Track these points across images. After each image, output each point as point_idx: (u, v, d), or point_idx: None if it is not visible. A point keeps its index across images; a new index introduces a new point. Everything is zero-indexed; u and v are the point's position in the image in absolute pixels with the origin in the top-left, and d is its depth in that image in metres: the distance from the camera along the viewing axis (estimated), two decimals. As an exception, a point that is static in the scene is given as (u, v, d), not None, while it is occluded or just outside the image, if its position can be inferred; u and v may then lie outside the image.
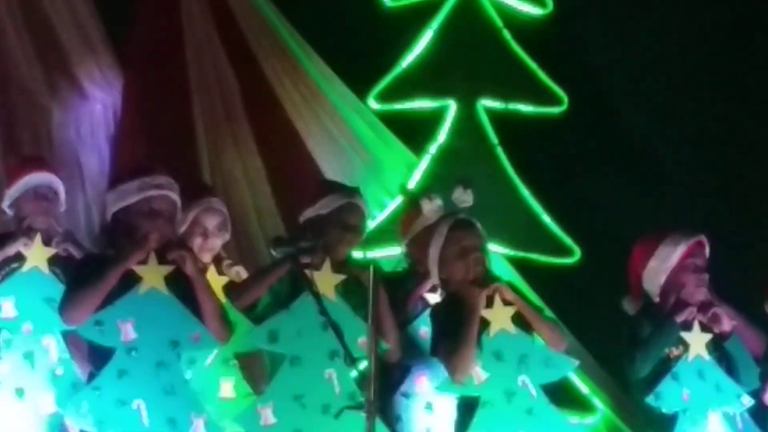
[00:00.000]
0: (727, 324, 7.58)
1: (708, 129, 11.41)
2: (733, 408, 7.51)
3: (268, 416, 7.08)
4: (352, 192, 7.57)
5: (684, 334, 7.38)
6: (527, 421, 7.10)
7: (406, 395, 7.90)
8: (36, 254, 7.64)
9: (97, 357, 7.08)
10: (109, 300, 6.99)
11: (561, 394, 8.62)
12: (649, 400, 7.40)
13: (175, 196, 7.12)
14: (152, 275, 7.09)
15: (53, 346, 7.64)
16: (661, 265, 7.65)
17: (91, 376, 7.13)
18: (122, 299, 6.96)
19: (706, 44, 11.42)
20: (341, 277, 7.18)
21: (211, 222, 7.77)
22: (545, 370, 7.20)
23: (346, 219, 7.33)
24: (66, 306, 6.85)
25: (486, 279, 7.16)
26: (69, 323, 6.93)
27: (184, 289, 7.10)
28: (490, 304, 7.09)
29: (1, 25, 10.19)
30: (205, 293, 7.10)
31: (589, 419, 10.22)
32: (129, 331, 6.94)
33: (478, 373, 7.06)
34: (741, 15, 11.52)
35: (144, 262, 7.16)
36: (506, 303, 7.17)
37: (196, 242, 7.69)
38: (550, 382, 7.36)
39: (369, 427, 5.76)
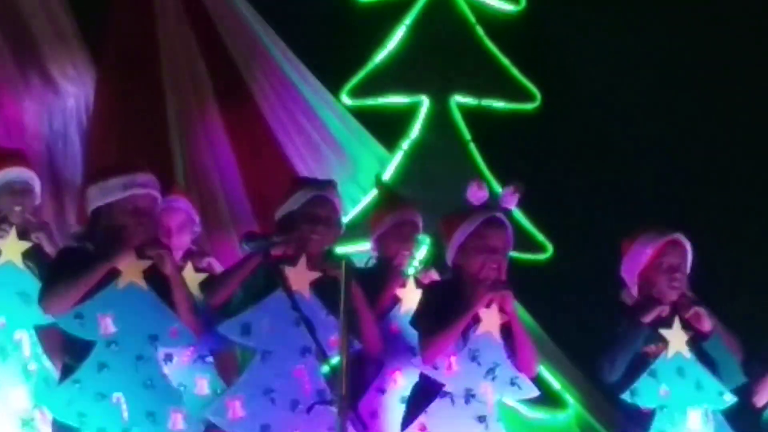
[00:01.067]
0: (707, 324, 7.64)
1: (680, 125, 11.39)
2: (715, 406, 7.60)
3: (237, 409, 7.15)
4: (323, 185, 7.66)
5: (663, 332, 7.43)
6: (475, 427, 7.17)
7: (381, 390, 7.98)
8: (10, 248, 7.63)
9: (73, 349, 7.12)
10: (88, 293, 7.07)
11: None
12: (625, 396, 7.46)
13: (157, 194, 7.21)
14: (131, 270, 7.14)
15: (26, 341, 7.64)
16: (634, 265, 7.79)
17: (66, 368, 7.16)
18: (101, 293, 7.01)
19: (677, 41, 11.44)
20: (316, 274, 7.22)
21: (173, 221, 7.96)
22: (508, 387, 7.25)
23: (315, 211, 7.36)
24: (48, 296, 6.91)
25: (496, 283, 7.20)
26: (50, 312, 6.97)
27: (161, 284, 7.19)
28: (488, 305, 7.16)
29: None
30: (181, 290, 7.17)
31: (561, 415, 10.34)
32: (109, 325, 7.02)
33: (452, 363, 7.12)
34: (711, 12, 11.43)
35: (108, 253, 7.25)
36: (501, 311, 7.21)
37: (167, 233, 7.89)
38: (506, 400, 7.53)
39: (341, 423, 5.78)
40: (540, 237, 10.50)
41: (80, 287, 6.91)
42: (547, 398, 10.19)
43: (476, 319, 7.20)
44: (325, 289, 7.26)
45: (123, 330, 7.10)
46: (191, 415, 7.41)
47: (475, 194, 7.72)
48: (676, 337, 7.58)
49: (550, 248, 10.45)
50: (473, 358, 7.19)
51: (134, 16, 10.45)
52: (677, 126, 11.38)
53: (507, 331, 7.29)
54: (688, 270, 7.74)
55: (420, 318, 7.39)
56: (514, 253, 8.77)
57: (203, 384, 7.94)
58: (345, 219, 9.43)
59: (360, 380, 8.04)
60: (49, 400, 7.27)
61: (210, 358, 8.05)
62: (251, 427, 7.26)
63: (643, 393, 7.53)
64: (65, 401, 7.07)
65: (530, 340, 7.50)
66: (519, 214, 10.05)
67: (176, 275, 7.25)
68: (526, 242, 10.28)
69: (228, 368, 8.31)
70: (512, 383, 7.26)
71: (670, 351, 7.56)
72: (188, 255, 8.14)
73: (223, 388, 7.94)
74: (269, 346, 7.28)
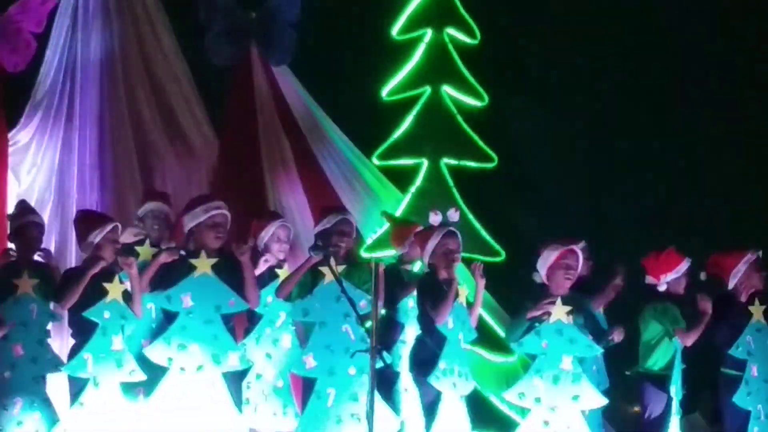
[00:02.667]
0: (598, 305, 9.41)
1: (591, 177, 13.93)
2: (585, 353, 9.01)
3: (310, 361, 8.90)
4: (345, 211, 9.51)
5: (550, 308, 8.91)
6: (464, 355, 9.25)
7: (403, 342, 9.61)
8: (202, 263, 8.89)
9: (81, 331, 8.72)
10: (175, 282, 8.69)
11: (493, 344, 11.95)
12: (513, 346, 9.18)
13: (228, 213, 8.92)
14: (203, 265, 8.82)
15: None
16: (544, 264, 9.04)
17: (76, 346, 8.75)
18: (183, 281, 8.76)
19: (597, 111, 13.80)
20: (343, 266, 8.91)
21: (283, 234, 9.56)
22: (469, 333, 9.21)
23: (343, 228, 9.20)
24: (66, 299, 8.76)
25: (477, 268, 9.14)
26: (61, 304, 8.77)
27: (229, 274, 8.75)
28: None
29: (140, 107, 12.15)
30: (250, 275, 8.80)
31: (510, 358, 12.22)
32: (188, 301, 8.70)
33: (449, 322, 8.97)
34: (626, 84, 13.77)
35: (197, 255, 8.82)
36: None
37: (275, 246, 9.44)
38: (467, 343, 9.30)
39: (372, 363, 7.34)
40: (496, 246, 12.35)
41: (77, 287, 8.69)
42: (501, 347, 12.10)
43: (457, 293, 8.93)
44: (350, 274, 8.92)
45: (197, 304, 8.72)
46: (243, 357, 8.94)
47: (433, 219, 9.76)
48: (558, 310, 8.91)
49: (503, 253, 12.35)
50: (457, 317, 9.04)
51: (242, 107, 12.40)
52: (590, 175, 13.91)
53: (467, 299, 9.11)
54: (579, 269, 9.03)
55: (423, 300, 9.06)
56: (479, 257, 10.73)
57: (287, 339, 9.47)
58: (374, 236, 12.08)
59: (390, 335, 9.63)
60: (149, 351, 8.77)
61: (291, 326, 9.47)
62: (321, 372, 8.88)
63: (527, 344, 8.98)
64: (161, 350, 8.71)
65: (479, 307, 9.35)
66: (481, 230, 11.94)
67: (248, 264, 8.77)
68: (487, 249, 12.24)
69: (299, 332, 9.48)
70: (470, 331, 9.22)
71: (552, 318, 8.89)
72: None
73: (296, 342, 9.38)
74: (323, 318, 8.94)
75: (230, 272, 8.81)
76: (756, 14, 13.68)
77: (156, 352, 8.65)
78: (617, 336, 9.03)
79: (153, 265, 8.99)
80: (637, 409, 9.75)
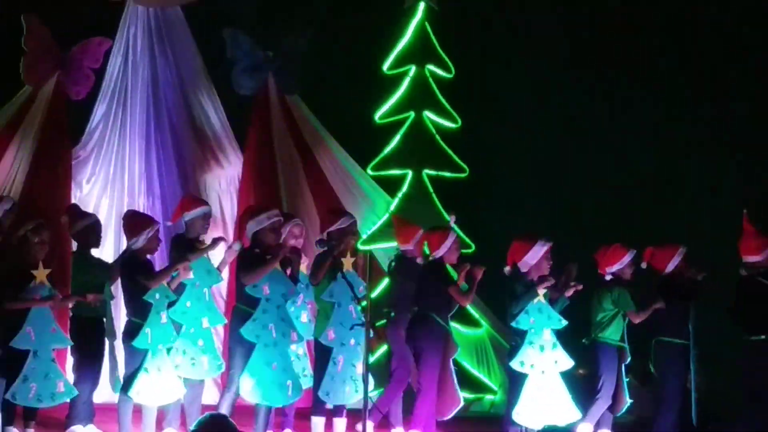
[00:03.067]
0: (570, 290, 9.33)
1: (547, 184, 13.52)
2: (556, 326, 9.16)
3: (331, 334, 8.89)
4: (352, 216, 9.39)
5: (538, 295, 9.05)
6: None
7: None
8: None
9: (137, 310, 8.53)
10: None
11: (466, 319, 12.14)
12: (513, 323, 9.15)
13: (281, 218, 8.96)
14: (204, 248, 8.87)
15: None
16: (535, 255, 9.08)
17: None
18: (266, 276, 8.65)
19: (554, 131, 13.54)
20: (352, 259, 8.91)
21: (297, 230, 9.42)
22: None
23: (353, 229, 9.24)
24: (250, 277, 8.56)
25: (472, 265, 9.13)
26: (248, 284, 8.54)
27: (284, 266, 8.77)
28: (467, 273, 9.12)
29: (178, 128, 12.40)
30: (297, 268, 8.93)
31: (479, 330, 12.51)
32: (266, 289, 8.68)
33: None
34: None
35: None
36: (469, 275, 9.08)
37: (291, 240, 9.23)
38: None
39: (366, 335, 7.85)
40: (468, 240, 12.12)
41: (265, 273, 8.54)
42: (471, 322, 12.37)
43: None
44: (356, 265, 8.94)
45: (272, 292, 8.70)
46: (299, 335, 8.91)
47: (452, 220, 10.06)
48: (540, 294, 9.07)
49: (473, 246, 12.26)
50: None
51: (261, 128, 12.59)
52: (553, 183, 13.49)
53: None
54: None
55: (440, 280, 9.20)
56: None
57: (305, 316, 9.53)
58: (367, 232, 12.16)
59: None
60: (244, 330, 8.59)
61: (309, 305, 9.47)
62: (339, 343, 8.88)
63: (521, 321, 9.08)
64: (251, 329, 8.61)
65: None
66: (455, 228, 10.68)
67: (297, 260, 8.94)
68: (460, 243, 10.54)
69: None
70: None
71: (536, 300, 9.05)
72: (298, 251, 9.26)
73: (310, 318, 9.40)
74: (339, 300, 8.92)
75: (283, 266, 8.85)
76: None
77: (247, 331, 8.59)
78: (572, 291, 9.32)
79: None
80: (582, 371, 9.74)
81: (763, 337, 9.23)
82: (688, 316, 9.65)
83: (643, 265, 9.73)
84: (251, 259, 8.68)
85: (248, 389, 8.60)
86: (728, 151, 13.13)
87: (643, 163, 13.46)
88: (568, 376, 9.23)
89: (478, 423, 11.23)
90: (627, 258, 9.64)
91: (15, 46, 11.74)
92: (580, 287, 9.31)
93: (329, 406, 8.92)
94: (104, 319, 9.02)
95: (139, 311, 8.57)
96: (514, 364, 9.11)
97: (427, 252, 9.65)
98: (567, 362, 9.17)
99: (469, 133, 13.28)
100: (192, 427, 7.00)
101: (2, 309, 8.27)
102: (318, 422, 8.91)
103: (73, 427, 9.00)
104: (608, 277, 9.66)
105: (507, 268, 9.23)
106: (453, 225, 10.02)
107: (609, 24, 13.55)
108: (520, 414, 9.04)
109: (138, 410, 8.72)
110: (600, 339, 9.60)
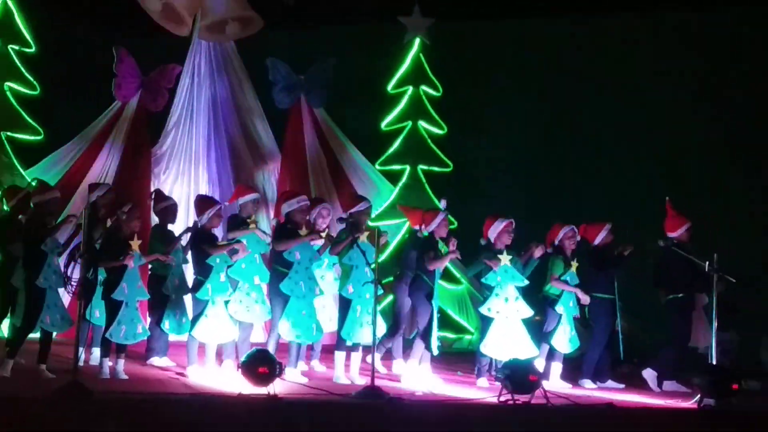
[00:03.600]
0: (537, 253, 9.12)
1: (515, 177, 13.35)
2: (519, 283, 9.02)
3: (350, 289, 8.73)
4: (368, 200, 9.27)
5: (500, 257, 8.94)
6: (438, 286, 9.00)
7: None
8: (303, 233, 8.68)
9: (203, 270, 8.54)
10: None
11: (450, 277, 12.23)
12: (483, 279, 9.08)
13: (308, 202, 8.93)
14: (304, 235, 8.76)
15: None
16: (495, 229, 8.98)
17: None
18: (295, 245, 8.70)
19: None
20: (366, 233, 8.72)
21: (325, 212, 9.18)
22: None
23: (368, 211, 9.14)
24: (283, 245, 8.59)
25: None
26: (280, 250, 8.57)
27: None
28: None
29: (232, 132, 12.20)
30: (325, 242, 8.80)
31: (460, 287, 12.52)
32: (297, 255, 8.72)
33: (440, 268, 9.03)
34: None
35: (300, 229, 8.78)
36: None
37: (320, 220, 9.06)
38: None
39: (375, 290, 8.06)
40: (452, 218, 10.76)
41: (295, 244, 8.57)
42: (454, 279, 12.37)
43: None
44: (371, 237, 8.64)
45: (301, 257, 8.75)
46: (321, 290, 8.91)
47: (442, 204, 9.96)
48: (504, 258, 8.96)
49: (456, 223, 11.40)
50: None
51: (295, 133, 12.48)
52: (522, 174, 13.32)
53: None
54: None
55: (426, 252, 8.82)
56: None
57: (331, 275, 9.44)
58: (376, 212, 11.70)
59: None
60: (283, 286, 8.58)
61: (335, 267, 9.29)
62: (356, 295, 8.69)
63: (489, 278, 8.99)
64: (287, 285, 8.64)
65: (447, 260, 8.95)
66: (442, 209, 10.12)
67: (326, 235, 8.78)
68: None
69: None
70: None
71: (502, 263, 8.95)
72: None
73: (336, 277, 9.22)
74: (356, 263, 8.73)
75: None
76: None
77: (284, 286, 8.61)
78: (537, 252, 9.14)
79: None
80: (537, 318, 9.41)
81: (680, 295, 9.26)
82: (614, 278, 9.48)
83: (578, 238, 9.40)
84: (285, 232, 8.67)
85: (285, 330, 8.64)
86: (652, 149, 13.03)
87: (593, 164, 13.26)
88: (528, 322, 9.15)
89: (460, 356, 11.12)
90: (562, 232, 9.34)
91: (108, 71, 11.78)
92: (542, 252, 9.15)
93: (349, 343, 8.83)
94: (171, 276, 8.94)
95: (203, 271, 8.61)
96: (483, 310, 9.07)
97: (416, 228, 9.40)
98: (527, 311, 9.10)
99: (452, 138, 13.24)
100: (243, 359, 7.58)
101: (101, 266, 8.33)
102: (339, 356, 8.86)
103: (152, 359, 9.12)
104: (550, 249, 9.42)
105: (482, 240, 9.10)
106: (444, 207, 9.82)
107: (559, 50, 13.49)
108: (486, 347, 9.01)
109: (202, 347, 8.77)
110: (545, 293, 9.45)
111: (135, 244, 8.35)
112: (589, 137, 13.17)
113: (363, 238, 8.63)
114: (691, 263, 8.94)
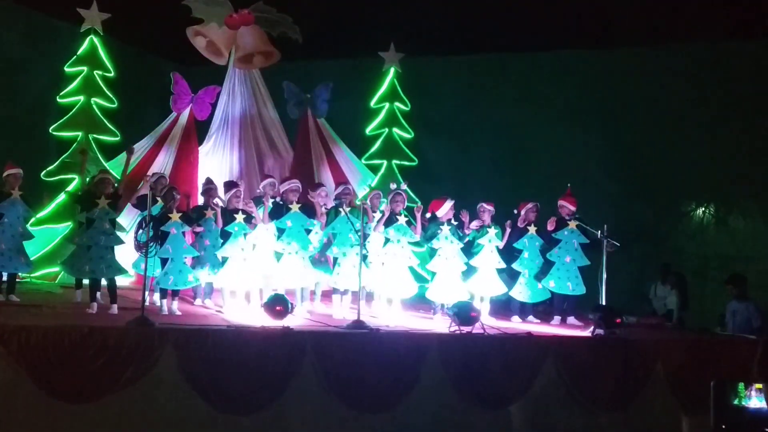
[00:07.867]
0: (476, 224, 8.77)
1: (464, 172, 12.87)
2: (458, 246, 8.68)
3: (335, 249, 8.61)
4: (348, 183, 9.37)
5: (442, 227, 8.59)
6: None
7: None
8: (294, 207, 8.54)
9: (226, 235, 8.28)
10: (283, 215, 8.43)
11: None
12: (428, 243, 8.69)
13: (300, 186, 8.64)
14: (294, 207, 8.62)
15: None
16: (444, 208, 8.77)
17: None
18: (287, 214, 8.59)
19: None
20: (349, 208, 8.55)
21: (323, 194, 9.08)
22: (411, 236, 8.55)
23: (348, 190, 8.98)
24: (272, 217, 8.31)
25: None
26: (269, 222, 8.31)
27: (306, 211, 8.57)
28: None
29: (257, 137, 11.57)
30: (314, 212, 8.54)
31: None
32: (289, 223, 8.54)
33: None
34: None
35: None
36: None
37: (320, 200, 8.84)
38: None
39: (360, 250, 7.86)
40: (416, 198, 11.42)
41: (275, 218, 8.29)
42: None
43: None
44: (352, 212, 8.47)
45: (293, 224, 8.56)
46: (315, 247, 8.71)
47: (391, 186, 9.01)
48: (444, 229, 8.70)
49: (419, 201, 10.86)
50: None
51: (303, 137, 11.92)
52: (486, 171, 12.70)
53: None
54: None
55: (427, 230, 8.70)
56: (410, 205, 9.66)
57: (316, 239, 8.83)
58: (361, 193, 11.16)
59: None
60: (275, 245, 8.35)
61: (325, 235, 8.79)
62: (342, 255, 8.51)
63: (435, 244, 8.73)
64: (279, 244, 8.39)
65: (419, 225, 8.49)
66: (409, 192, 10.64)
67: (321, 209, 8.62)
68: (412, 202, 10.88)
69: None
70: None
71: (443, 232, 8.69)
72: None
73: (323, 241, 8.80)
74: (341, 230, 8.57)
75: (305, 211, 8.60)
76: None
77: (277, 246, 8.43)
78: (475, 224, 8.84)
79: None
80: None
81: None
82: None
83: (515, 212, 8.98)
84: (276, 207, 8.57)
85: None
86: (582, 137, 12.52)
87: (539, 160, 12.76)
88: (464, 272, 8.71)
89: (421, 301, 10.49)
90: (447, 205, 8.81)
91: (167, 90, 11.42)
92: (479, 225, 8.80)
93: (341, 289, 8.64)
94: (200, 239, 8.61)
95: (226, 235, 8.45)
96: (429, 267, 8.83)
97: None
98: (461, 266, 8.81)
99: (418, 141, 12.83)
100: (265, 300, 7.50)
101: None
102: (336, 298, 8.69)
103: (197, 300, 8.96)
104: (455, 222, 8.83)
105: (428, 214, 8.87)
106: (406, 187, 9.39)
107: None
108: (431, 293, 8.81)
109: (233, 292, 8.58)
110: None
111: (174, 216, 8.17)
112: (512, 142, 12.99)
113: (344, 212, 8.36)
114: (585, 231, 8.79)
